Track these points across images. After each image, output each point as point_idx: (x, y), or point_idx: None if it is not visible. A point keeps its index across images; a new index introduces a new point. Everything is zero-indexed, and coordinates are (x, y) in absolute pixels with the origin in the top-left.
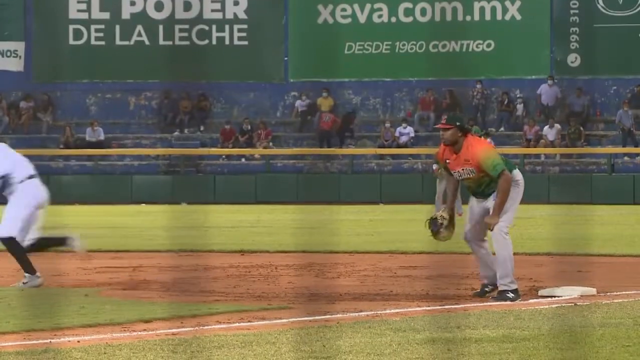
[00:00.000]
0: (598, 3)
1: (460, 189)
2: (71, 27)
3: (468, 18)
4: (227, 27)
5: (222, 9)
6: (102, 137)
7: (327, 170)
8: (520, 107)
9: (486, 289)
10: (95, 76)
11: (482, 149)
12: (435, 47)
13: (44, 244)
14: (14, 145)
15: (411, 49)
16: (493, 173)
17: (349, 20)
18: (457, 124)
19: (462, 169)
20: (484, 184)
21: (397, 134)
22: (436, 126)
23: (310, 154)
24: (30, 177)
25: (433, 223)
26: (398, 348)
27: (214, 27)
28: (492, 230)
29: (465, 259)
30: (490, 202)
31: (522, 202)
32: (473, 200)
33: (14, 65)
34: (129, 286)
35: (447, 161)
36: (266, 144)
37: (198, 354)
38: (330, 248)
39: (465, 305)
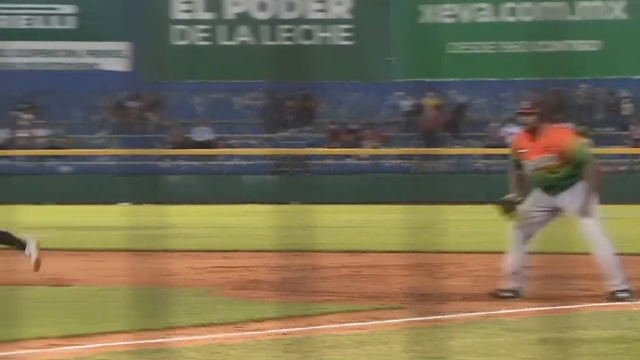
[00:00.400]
0: None
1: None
2: (175, 27)
3: (572, 18)
4: (330, 27)
5: (326, 9)
6: (209, 137)
7: (434, 170)
8: (627, 106)
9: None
10: (200, 76)
11: (567, 134)
12: (540, 47)
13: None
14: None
15: (515, 48)
16: (580, 156)
17: (452, 19)
18: (539, 109)
19: (541, 157)
20: (562, 175)
21: (504, 134)
22: (519, 111)
23: (417, 154)
24: None
25: (507, 203)
26: (512, 348)
27: (317, 27)
28: (585, 226)
29: (575, 259)
30: (563, 199)
31: (633, 202)
32: (540, 197)
33: (119, 65)
34: (239, 286)
35: (522, 151)
36: (375, 143)
37: (310, 353)
38: (439, 248)
39: (577, 305)
